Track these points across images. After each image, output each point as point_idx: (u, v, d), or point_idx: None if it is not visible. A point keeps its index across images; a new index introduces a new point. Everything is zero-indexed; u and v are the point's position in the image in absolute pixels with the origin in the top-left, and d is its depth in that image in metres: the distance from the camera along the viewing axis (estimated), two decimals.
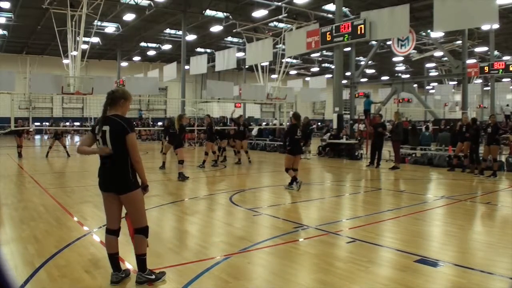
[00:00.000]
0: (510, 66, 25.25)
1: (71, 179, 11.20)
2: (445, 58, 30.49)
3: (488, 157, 11.28)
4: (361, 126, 19.75)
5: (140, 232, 3.71)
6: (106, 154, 3.61)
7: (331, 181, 11.01)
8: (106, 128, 3.60)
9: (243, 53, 29.08)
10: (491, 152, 11.09)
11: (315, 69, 43.07)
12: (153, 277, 3.73)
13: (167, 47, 34.09)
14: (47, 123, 27.66)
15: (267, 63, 24.03)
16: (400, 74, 46.42)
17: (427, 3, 17.79)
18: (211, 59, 30.28)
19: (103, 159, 3.68)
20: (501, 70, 25.61)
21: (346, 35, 16.33)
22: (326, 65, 42.51)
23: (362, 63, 29.77)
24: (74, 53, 18.32)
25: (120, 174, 3.60)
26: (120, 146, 3.59)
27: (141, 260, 3.72)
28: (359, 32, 15.82)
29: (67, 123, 30.98)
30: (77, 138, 32.28)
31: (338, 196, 8.73)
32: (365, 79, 36.84)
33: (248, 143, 21.88)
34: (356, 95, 26.38)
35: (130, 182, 3.62)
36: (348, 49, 25.36)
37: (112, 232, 3.75)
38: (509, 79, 34.71)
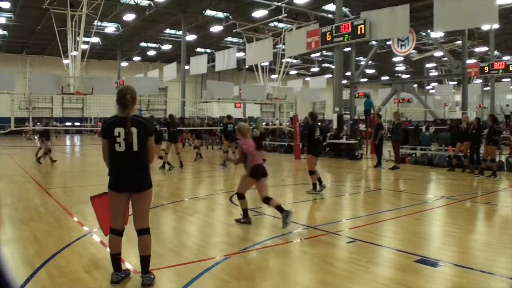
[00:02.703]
0: (510, 66, 25.26)
1: (71, 179, 11.20)
2: (445, 58, 30.49)
3: (487, 157, 11.28)
4: (361, 126, 19.76)
5: (148, 232, 3.76)
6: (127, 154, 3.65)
7: (331, 181, 10.97)
8: (134, 130, 3.61)
9: (243, 53, 29.09)
10: (488, 152, 11.09)
11: (315, 69, 43.05)
12: (153, 277, 3.76)
13: (167, 47, 34.09)
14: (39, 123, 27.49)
15: (267, 63, 24.03)
16: (400, 74, 46.42)
17: (427, 3, 17.78)
18: (211, 59, 30.28)
19: (124, 160, 3.65)
20: (501, 70, 25.61)
21: (346, 35, 16.34)
22: (326, 65, 42.51)
23: (362, 63, 29.78)
24: (74, 53, 18.33)
25: (144, 172, 3.75)
26: (144, 146, 3.70)
27: (148, 261, 3.73)
28: (359, 32, 15.83)
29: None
30: (77, 139, 32.26)
31: (338, 196, 8.73)
32: (365, 79, 36.85)
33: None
34: (356, 95, 26.39)
35: (150, 179, 3.79)
36: (348, 49, 25.37)
37: (117, 232, 3.76)
38: (509, 79, 34.70)
